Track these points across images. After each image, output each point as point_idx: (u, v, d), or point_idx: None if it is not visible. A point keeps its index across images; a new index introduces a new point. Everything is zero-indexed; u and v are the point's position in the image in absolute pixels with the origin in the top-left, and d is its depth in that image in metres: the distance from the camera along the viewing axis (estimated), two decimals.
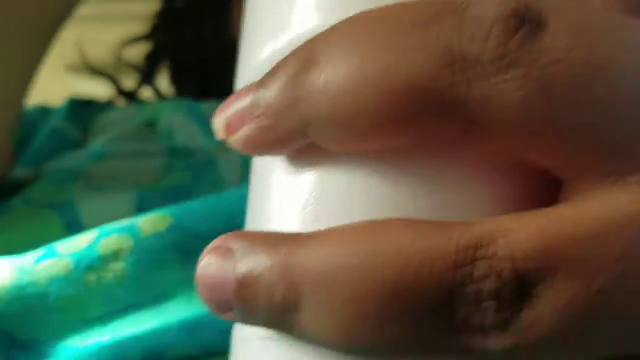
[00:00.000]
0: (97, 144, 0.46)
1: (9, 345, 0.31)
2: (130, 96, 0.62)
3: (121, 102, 0.61)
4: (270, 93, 0.16)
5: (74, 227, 0.36)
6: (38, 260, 0.31)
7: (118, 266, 0.30)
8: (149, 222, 0.31)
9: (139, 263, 0.30)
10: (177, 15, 0.60)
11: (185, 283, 0.30)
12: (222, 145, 0.42)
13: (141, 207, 0.36)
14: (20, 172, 0.44)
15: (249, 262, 0.16)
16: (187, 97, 0.59)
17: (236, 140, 0.17)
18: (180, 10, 0.60)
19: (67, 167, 0.41)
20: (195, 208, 0.32)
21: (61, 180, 0.40)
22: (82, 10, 0.89)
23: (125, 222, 0.31)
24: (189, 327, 0.28)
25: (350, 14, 0.16)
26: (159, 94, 0.62)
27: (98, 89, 0.61)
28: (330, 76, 0.15)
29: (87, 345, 0.30)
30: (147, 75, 0.62)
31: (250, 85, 0.17)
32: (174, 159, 0.42)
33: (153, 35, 0.62)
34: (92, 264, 0.30)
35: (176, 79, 0.61)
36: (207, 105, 0.49)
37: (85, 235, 0.31)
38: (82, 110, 0.53)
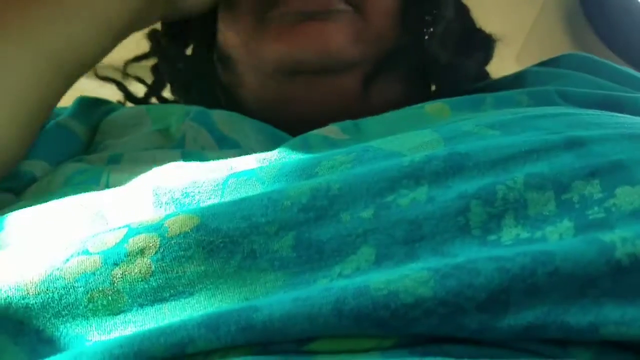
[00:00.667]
0: (111, 148, 0.47)
1: (35, 340, 0.31)
2: (140, 102, 0.63)
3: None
4: None
5: None
6: (68, 259, 0.32)
7: (144, 262, 0.31)
8: (177, 222, 0.32)
9: (165, 260, 0.31)
10: (169, 35, 0.62)
11: (208, 278, 0.31)
12: (234, 153, 0.43)
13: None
14: (28, 164, 0.46)
15: None
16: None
17: None
18: (171, 30, 0.61)
19: (86, 170, 0.42)
20: (221, 209, 0.32)
21: (82, 182, 0.41)
22: None
23: (153, 221, 0.32)
24: (210, 322, 0.29)
25: None
26: (164, 100, 0.64)
27: (106, 91, 0.62)
28: None
29: (111, 338, 0.30)
30: (154, 85, 0.64)
31: None
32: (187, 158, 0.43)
33: (153, 53, 0.63)
34: (119, 261, 0.31)
35: (176, 94, 0.63)
36: (218, 114, 0.50)
37: (114, 233, 0.32)
38: (91, 109, 0.54)
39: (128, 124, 0.50)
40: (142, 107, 0.52)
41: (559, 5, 0.94)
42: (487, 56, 0.60)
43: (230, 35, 0.55)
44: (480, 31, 0.60)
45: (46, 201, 0.37)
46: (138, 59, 0.63)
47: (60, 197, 0.37)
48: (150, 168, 0.40)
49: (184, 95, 0.62)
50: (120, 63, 0.63)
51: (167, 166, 0.40)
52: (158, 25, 0.62)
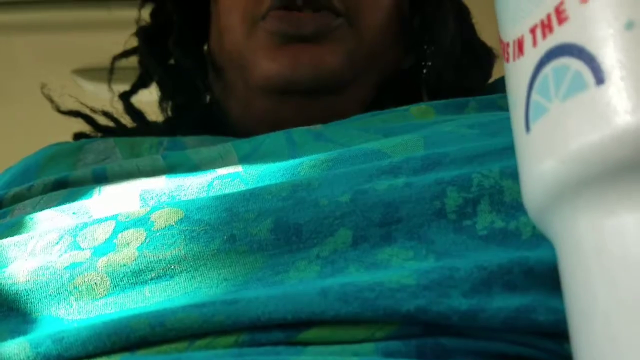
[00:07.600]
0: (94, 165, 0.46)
1: (21, 321, 0.32)
2: (109, 131, 0.62)
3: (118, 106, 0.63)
4: None
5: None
6: (61, 255, 0.33)
7: (129, 251, 0.32)
8: (162, 215, 0.33)
9: (148, 248, 0.32)
10: (158, 31, 0.61)
11: (188, 261, 0.32)
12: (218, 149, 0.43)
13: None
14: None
15: None
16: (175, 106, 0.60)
17: None
18: (160, 27, 0.61)
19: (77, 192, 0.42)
20: (205, 202, 0.34)
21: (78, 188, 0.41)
22: (90, 16, 0.90)
23: (140, 215, 0.33)
24: (194, 299, 0.29)
25: None
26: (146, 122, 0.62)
27: (104, 91, 0.62)
28: None
29: (93, 317, 0.31)
30: (141, 79, 0.63)
31: None
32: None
33: (140, 49, 0.63)
34: (107, 252, 0.33)
35: (161, 89, 0.62)
36: (190, 140, 0.49)
37: (103, 228, 0.34)
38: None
39: (98, 160, 0.48)
40: (110, 140, 0.50)
41: None
42: (487, 74, 0.59)
43: (221, 43, 0.55)
44: (480, 43, 0.60)
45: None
46: (126, 53, 0.63)
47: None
48: (138, 179, 0.40)
49: (170, 94, 0.61)
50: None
51: (156, 178, 0.40)
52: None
